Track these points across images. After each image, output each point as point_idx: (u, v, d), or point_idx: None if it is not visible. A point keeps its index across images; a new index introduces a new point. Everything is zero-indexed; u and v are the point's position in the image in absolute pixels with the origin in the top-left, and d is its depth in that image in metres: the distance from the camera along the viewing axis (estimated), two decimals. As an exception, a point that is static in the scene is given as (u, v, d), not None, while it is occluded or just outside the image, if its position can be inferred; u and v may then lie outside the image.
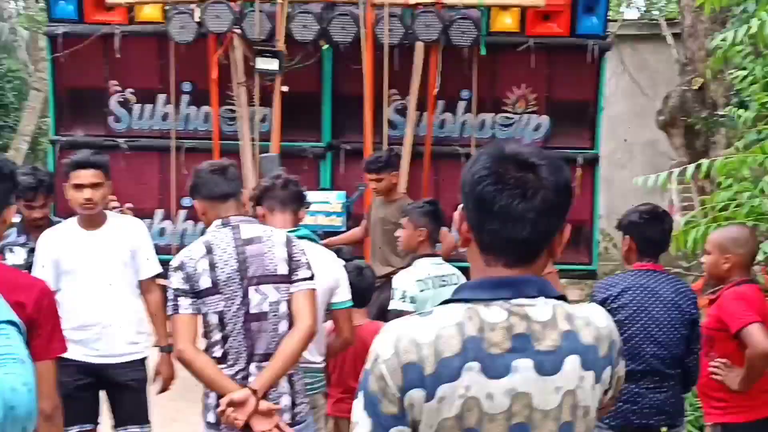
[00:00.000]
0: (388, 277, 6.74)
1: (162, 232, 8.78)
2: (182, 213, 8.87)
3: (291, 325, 4.07)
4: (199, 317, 4.06)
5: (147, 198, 8.72)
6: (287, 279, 4.08)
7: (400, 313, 5.37)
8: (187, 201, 8.78)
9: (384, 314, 5.83)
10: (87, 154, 5.15)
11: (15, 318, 2.30)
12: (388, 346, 2.11)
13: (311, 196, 7.75)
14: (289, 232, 4.51)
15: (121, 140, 8.68)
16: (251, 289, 4.03)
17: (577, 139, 8.69)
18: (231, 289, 4.01)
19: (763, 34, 5.00)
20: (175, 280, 4.05)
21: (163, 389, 5.37)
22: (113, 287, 5.06)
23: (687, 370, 4.70)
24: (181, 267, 4.05)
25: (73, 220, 5.18)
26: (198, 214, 4.50)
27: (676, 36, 12.56)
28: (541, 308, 2.13)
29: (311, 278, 4.15)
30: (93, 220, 5.13)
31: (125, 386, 5.07)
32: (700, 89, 10.61)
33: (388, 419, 2.10)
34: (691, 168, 5.40)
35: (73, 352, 4.38)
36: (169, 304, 4.09)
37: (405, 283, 5.45)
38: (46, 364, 3.21)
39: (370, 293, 5.47)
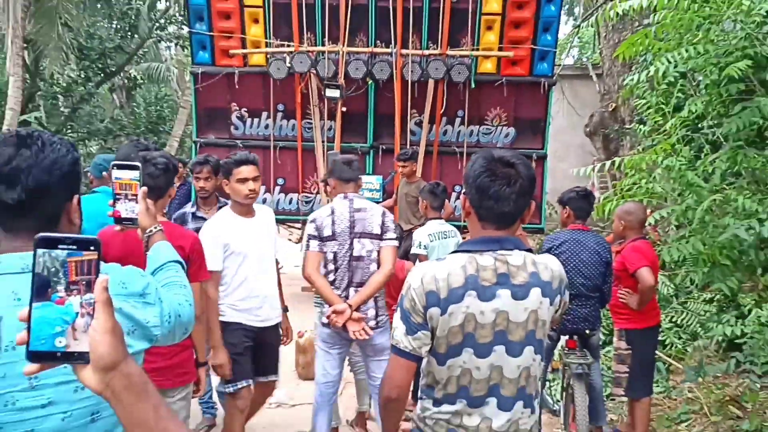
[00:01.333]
0: (410, 232, 6.78)
1: (263, 202, 8.80)
2: (277, 188, 8.92)
3: (378, 267, 4.17)
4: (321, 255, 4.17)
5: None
6: (379, 237, 4.17)
7: (417, 256, 5.43)
8: (281, 180, 8.85)
9: (407, 255, 5.86)
10: (246, 153, 4.27)
11: (180, 259, 2.33)
12: (417, 279, 2.16)
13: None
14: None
15: (238, 141, 8.71)
16: (355, 240, 4.13)
17: (533, 143, 8.63)
18: (343, 238, 4.12)
19: (657, 76, 4.94)
20: (309, 229, 4.18)
21: (288, 341, 4.65)
22: (268, 264, 4.29)
23: (602, 294, 4.71)
24: (314, 221, 4.18)
25: (228, 211, 4.24)
26: (329, 189, 4.55)
27: (598, 75, 12.43)
28: (516, 257, 2.17)
29: (396, 239, 4.26)
30: (249, 209, 4.22)
31: (270, 344, 4.36)
32: (614, 111, 10.51)
33: (416, 325, 2.14)
34: (608, 163, 5.37)
35: (242, 318, 4.13)
36: (304, 243, 4.23)
37: (420, 236, 5.49)
38: (196, 285, 3.29)
39: (400, 242, 5.49)
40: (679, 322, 6.55)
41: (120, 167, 2.33)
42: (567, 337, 4.75)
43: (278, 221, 4.38)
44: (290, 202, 8.88)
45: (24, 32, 14.91)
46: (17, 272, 1.58)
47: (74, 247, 1.06)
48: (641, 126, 6.29)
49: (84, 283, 1.07)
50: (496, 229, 2.18)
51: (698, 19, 4.88)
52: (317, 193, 8.68)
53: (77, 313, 1.06)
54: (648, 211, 5.18)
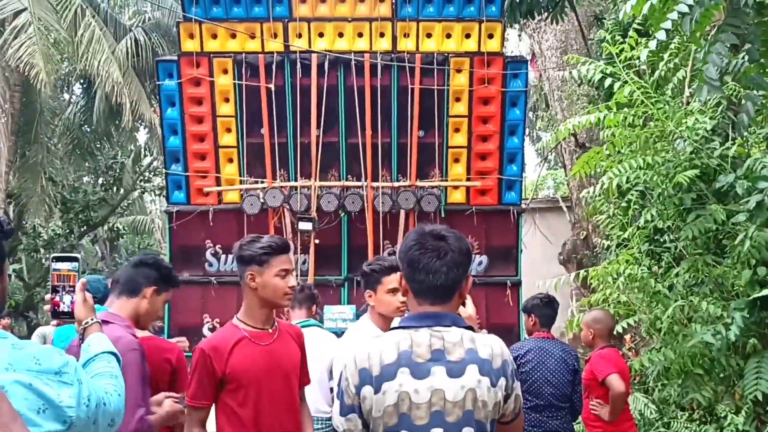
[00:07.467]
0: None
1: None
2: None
3: None
4: None
5: (227, 315, 8.63)
6: None
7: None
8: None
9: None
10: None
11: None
12: (351, 358, 2.12)
13: (335, 309, 7.74)
14: (301, 322, 4.43)
15: (212, 278, 8.70)
16: None
17: (506, 270, 8.66)
18: None
19: (611, 189, 5.10)
20: None
21: None
22: None
23: (573, 404, 4.56)
24: None
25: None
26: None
27: (568, 207, 12.76)
28: (453, 333, 2.13)
29: None
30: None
31: None
32: (585, 239, 10.71)
33: (347, 407, 2.10)
34: (573, 275, 5.42)
35: None
36: None
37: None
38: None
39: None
40: (664, 443, 6.32)
41: (58, 259, 2.34)
42: (539, 451, 4.56)
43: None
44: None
45: (7, 186, 15.27)
46: None
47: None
48: (605, 242, 6.39)
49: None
50: (431, 304, 2.16)
51: (644, 135, 5.12)
52: (292, 327, 8.57)
53: None
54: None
